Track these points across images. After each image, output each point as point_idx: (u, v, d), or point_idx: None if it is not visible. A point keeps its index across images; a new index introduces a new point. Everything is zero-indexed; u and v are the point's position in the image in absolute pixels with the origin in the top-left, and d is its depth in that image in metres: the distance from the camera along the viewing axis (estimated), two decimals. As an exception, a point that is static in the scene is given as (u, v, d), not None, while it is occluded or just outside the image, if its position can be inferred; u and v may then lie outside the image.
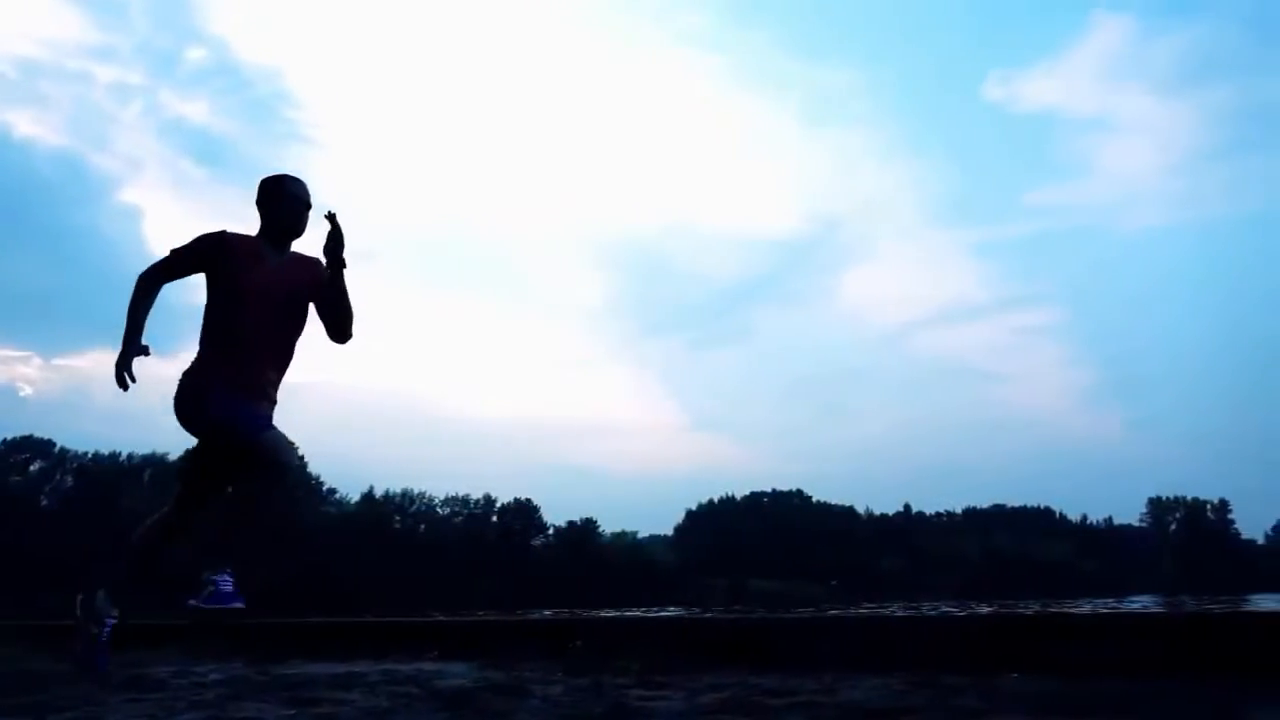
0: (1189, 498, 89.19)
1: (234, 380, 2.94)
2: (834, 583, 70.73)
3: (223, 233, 3.06)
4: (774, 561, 76.18)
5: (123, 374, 2.86)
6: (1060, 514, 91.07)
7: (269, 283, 3.04)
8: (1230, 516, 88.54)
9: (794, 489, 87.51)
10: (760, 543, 77.42)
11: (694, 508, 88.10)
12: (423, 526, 76.29)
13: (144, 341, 2.93)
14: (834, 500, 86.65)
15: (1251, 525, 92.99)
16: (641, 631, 2.61)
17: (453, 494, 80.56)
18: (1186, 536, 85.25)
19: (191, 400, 2.89)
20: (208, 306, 3.04)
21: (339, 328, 3.13)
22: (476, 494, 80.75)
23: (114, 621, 3.02)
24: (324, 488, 70.81)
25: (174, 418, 2.92)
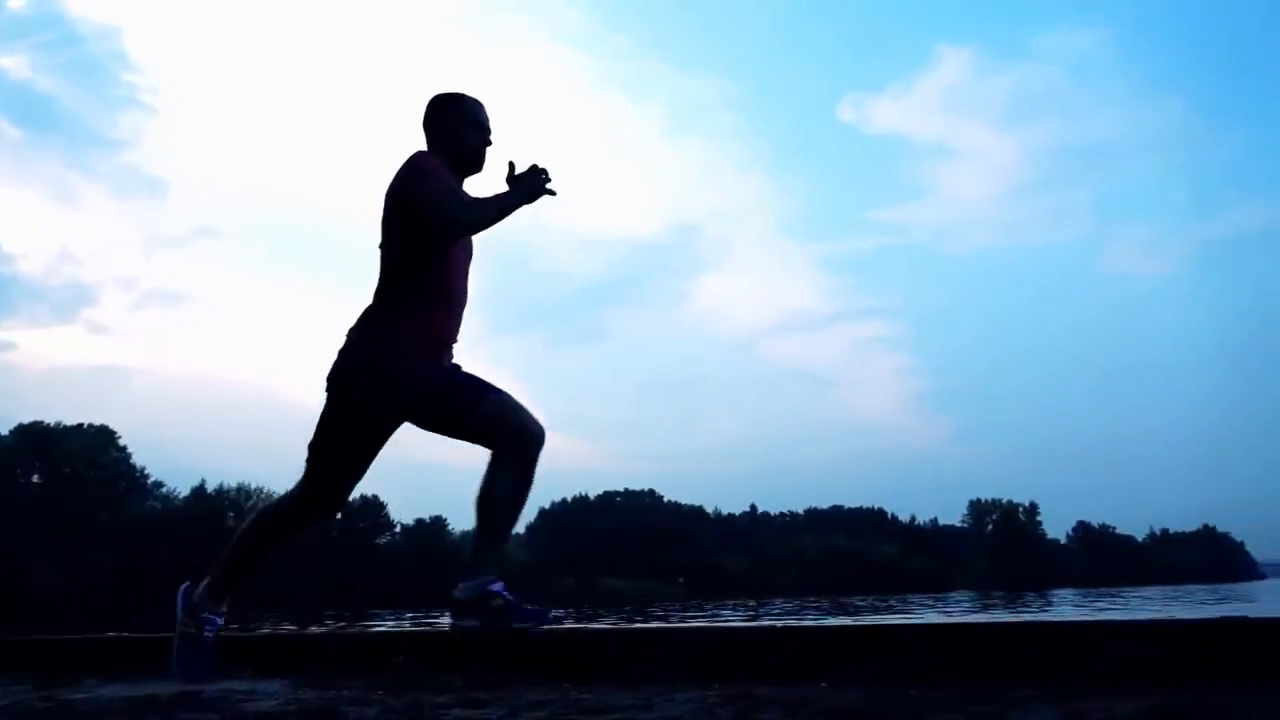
0: (1004, 500, 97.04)
1: (439, 336, 2.49)
2: (681, 580, 72.28)
3: (437, 158, 2.50)
4: (625, 560, 77.03)
5: (539, 177, 2.40)
6: (892, 515, 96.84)
7: None
8: (1039, 518, 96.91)
9: (646, 489, 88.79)
10: (612, 542, 78.09)
11: (547, 506, 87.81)
12: (259, 523, 72.42)
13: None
14: (684, 500, 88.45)
15: (1055, 526, 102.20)
16: (467, 645, 2.57)
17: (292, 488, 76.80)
18: (1001, 536, 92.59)
19: (393, 362, 2.36)
20: (411, 243, 2.43)
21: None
22: (319, 489, 77.60)
23: (218, 621, 2.61)
24: (148, 480, 65.96)
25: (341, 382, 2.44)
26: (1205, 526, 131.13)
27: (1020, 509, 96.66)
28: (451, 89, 2.54)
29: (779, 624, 2.38)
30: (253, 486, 73.98)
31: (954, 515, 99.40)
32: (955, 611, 17.26)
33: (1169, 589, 46.17)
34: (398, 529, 78.88)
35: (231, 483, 73.13)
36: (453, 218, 2.35)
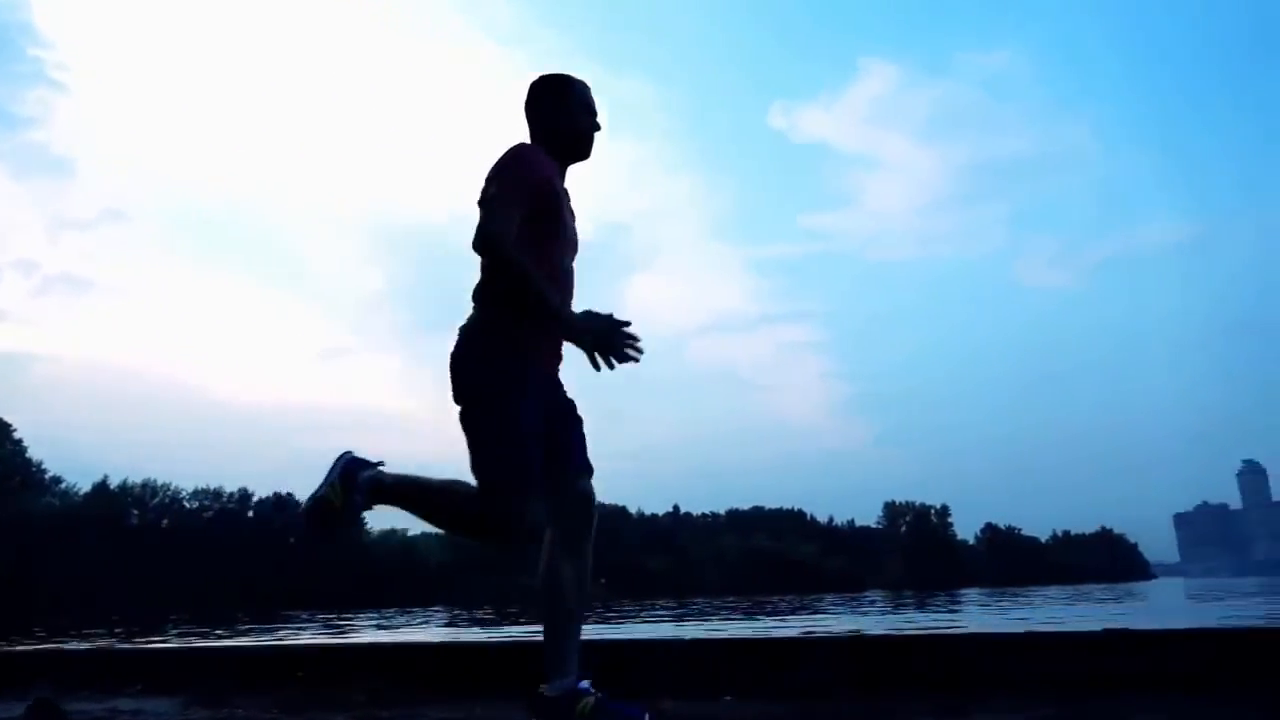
0: (918, 503, 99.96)
1: (556, 342, 2.21)
2: (603, 580, 72.24)
3: (540, 144, 2.27)
4: (546, 560, 76.63)
5: (620, 331, 2.05)
6: (811, 516, 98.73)
7: (571, 219, 2.33)
8: (950, 520, 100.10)
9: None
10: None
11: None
12: (165, 521, 69.55)
13: None
14: (608, 500, 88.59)
15: (966, 528, 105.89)
16: (369, 659, 2.51)
17: (203, 486, 74.16)
18: (914, 538, 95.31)
19: (496, 370, 2.07)
20: (519, 240, 2.14)
21: None
22: (231, 486, 75.02)
23: (361, 509, 2.20)
24: (46, 475, 62.76)
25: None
26: (1103, 529, 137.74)
27: (932, 511, 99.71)
28: (557, 71, 2.39)
29: (689, 637, 2.40)
30: (159, 483, 71.17)
31: (870, 516, 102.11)
32: (870, 612, 17.68)
33: (1070, 589, 48.14)
34: (313, 527, 76.70)
35: (136, 479, 70.22)
36: (490, 232, 2.04)
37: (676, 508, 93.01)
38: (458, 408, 2.12)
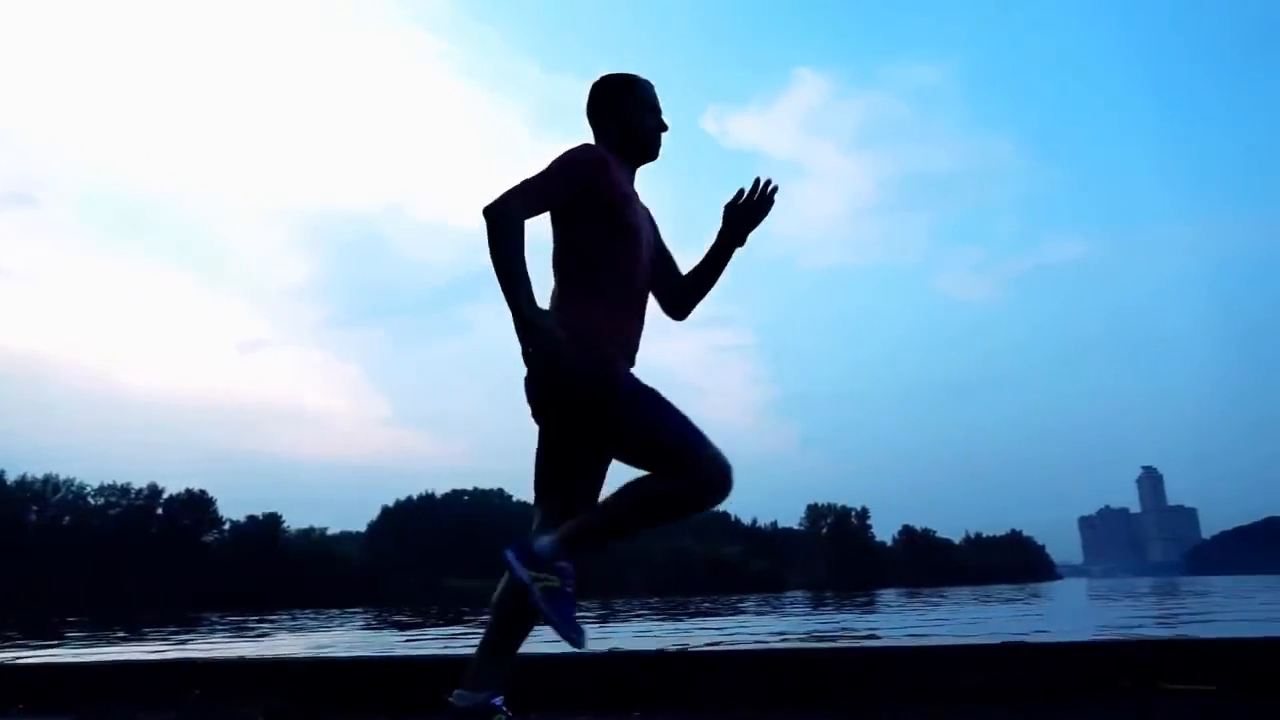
0: (839, 505, 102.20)
1: (631, 346, 2.17)
2: (527, 581, 71.74)
3: (605, 150, 2.20)
4: (471, 560, 75.76)
5: (551, 333, 1.96)
6: (735, 517, 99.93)
7: (643, 221, 2.26)
8: (869, 522, 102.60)
9: (496, 488, 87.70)
10: (458, 541, 76.62)
11: (391, 504, 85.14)
12: (67, 518, 66.38)
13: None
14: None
15: (884, 529, 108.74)
16: (272, 675, 2.44)
17: (109, 482, 71.10)
18: (835, 539, 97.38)
19: (587, 375, 2.02)
20: (585, 243, 2.13)
21: (689, 303, 2.42)
22: (140, 482, 72.08)
23: (571, 572, 2.09)
24: (-65, 471, 59.45)
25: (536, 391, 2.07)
26: (1013, 531, 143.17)
27: (853, 513, 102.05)
28: (620, 70, 2.33)
29: (607, 650, 2.40)
30: (61, 478, 67.92)
31: (793, 518, 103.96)
32: (791, 612, 17.99)
33: (980, 589, 49.85)
34: (226, 526, 74.32)
35: (36, 473, 66.87)
36: (503, 211, 2.00)
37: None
38: (574, 421, 2.07)
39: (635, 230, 2.17)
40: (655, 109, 2.29)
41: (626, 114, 2.25)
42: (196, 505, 72.70)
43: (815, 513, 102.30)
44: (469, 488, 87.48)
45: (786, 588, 75.74)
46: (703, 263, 2.38)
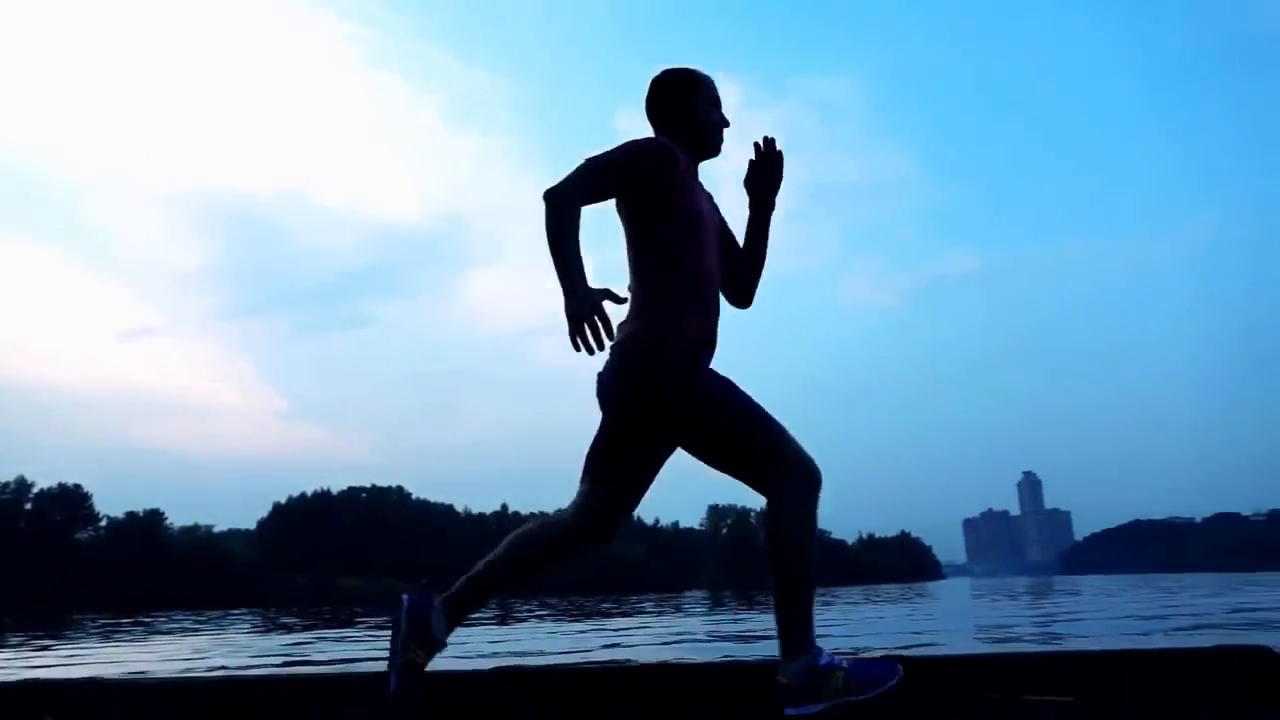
0: (739, 506, 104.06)
1: (712, 341, 2.12)
2: (424, 580, 70.38)
3: (670, 141, 2.13)
4: (366, 559, 73.83)
5: (594, 323, 1.87)
6: (638, 517, 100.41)
7: (709, 213, 2.22)
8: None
9: (395, 485, 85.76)
10: (353, 540, 74.52)
11: (283, 501, 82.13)
12: (-79, 514, 61.61)
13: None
14: (435, 498, 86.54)
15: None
16: (133, 697, 2.29)
17: (-29, 475, 66.46)
18: (735, 539, 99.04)
19: (670, 366, 1.99)
20: (659, 239, 2.08)
21: (748, 287, 2.36)
22: (7, 474, 67.46)
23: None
24: None
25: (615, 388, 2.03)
26: (902, 532, 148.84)
27: (753, 514, 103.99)
28: (680, 65, 2.28)
29: (487, 669, 2.35)
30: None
31: (695, 518, 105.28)
32: (690, 612, 18.21)
33: (871, 588, 51.61)
34: (103, 522, 70.31)
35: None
36: (559, 196, 1.96)
37: (505, 506, 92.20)
38: (657, 425, 2.05)
39: (706, 223, 2.15)
40: (719, 104, 2.26)
41: (692, 109, 2.22)
42: (70, 500, 68.52)
43: (716, 513, 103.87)
44: (367, 485, 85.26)
45: (688, 588, 76.59)
46: (746, 243, 2.36)
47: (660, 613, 18.44)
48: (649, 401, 2.00)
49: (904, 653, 2.47)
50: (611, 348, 2.01)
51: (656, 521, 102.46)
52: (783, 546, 1.99)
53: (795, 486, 2.01)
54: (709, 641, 8.63)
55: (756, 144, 2.31)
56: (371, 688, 2.12)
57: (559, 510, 2.19)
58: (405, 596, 2.11)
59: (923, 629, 9.44)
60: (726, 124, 2.26)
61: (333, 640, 10.38)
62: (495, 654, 7.41)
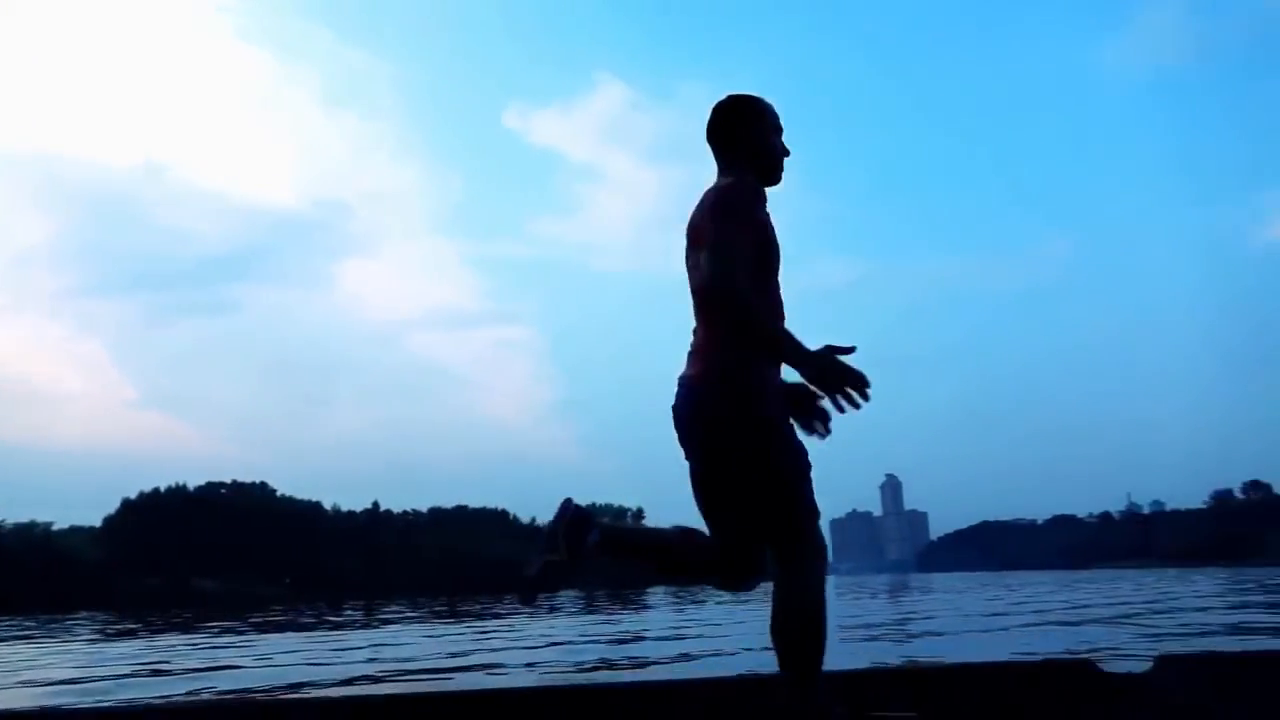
0: (616, 505, 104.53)
1: (778, 379, 2.07)
2: (288, 581, 67.52)
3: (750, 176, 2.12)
4: (225, 559, 70.16)
5: (848, 377, 1.87)
6: (514, 516, 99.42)
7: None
8: (644, 521, 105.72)
9: (258, 481, 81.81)
10: (212, 539, 70.66)
11: (133, 497, 76.99)
12: None
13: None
14: (301, 495, 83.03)
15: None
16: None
17: None
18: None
19: (753, 410, 1.96)
20: (749, 269, 1.99)
21: None
22: None
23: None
24: None
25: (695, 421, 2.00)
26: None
27: (629, 513, 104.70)
28: (745, 92, 2.22)
29: (317, 695, 2.30)
30: None
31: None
32: (561, 610, 18.17)
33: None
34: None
35: None
36: (737, 291, 1.92)
37: (376, 504, 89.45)
38: (715, 464, 2.03)
39: (779, 257, 2.13)
40: (781, 131, 2.23)
41: (763, 136, 2.18)
42: (-119, 494, 61.90)
43: (594, 512, 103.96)
44: (227, 480, 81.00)
45: (562, 588, 76.26)
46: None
47: (533, 613, 18.33)
48: (739, 430, 1.98)
49: (761, 670, 2.55)
50: (695, 378, 2.04)
51: (534, 520, 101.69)
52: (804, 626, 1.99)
53: (816, 566, 2.04)
54: (584, 642, 8.67)
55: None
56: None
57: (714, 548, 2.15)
58: (570, 501, 2.10)
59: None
60: (788, 153, 2.23)
61: (182, 645, 9.85)
62: (371, 659, 7.22)
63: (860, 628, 9.23)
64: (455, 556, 77.73)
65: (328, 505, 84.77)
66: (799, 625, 1.96)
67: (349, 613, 22.38)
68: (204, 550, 69.45)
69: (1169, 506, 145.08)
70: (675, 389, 2.09)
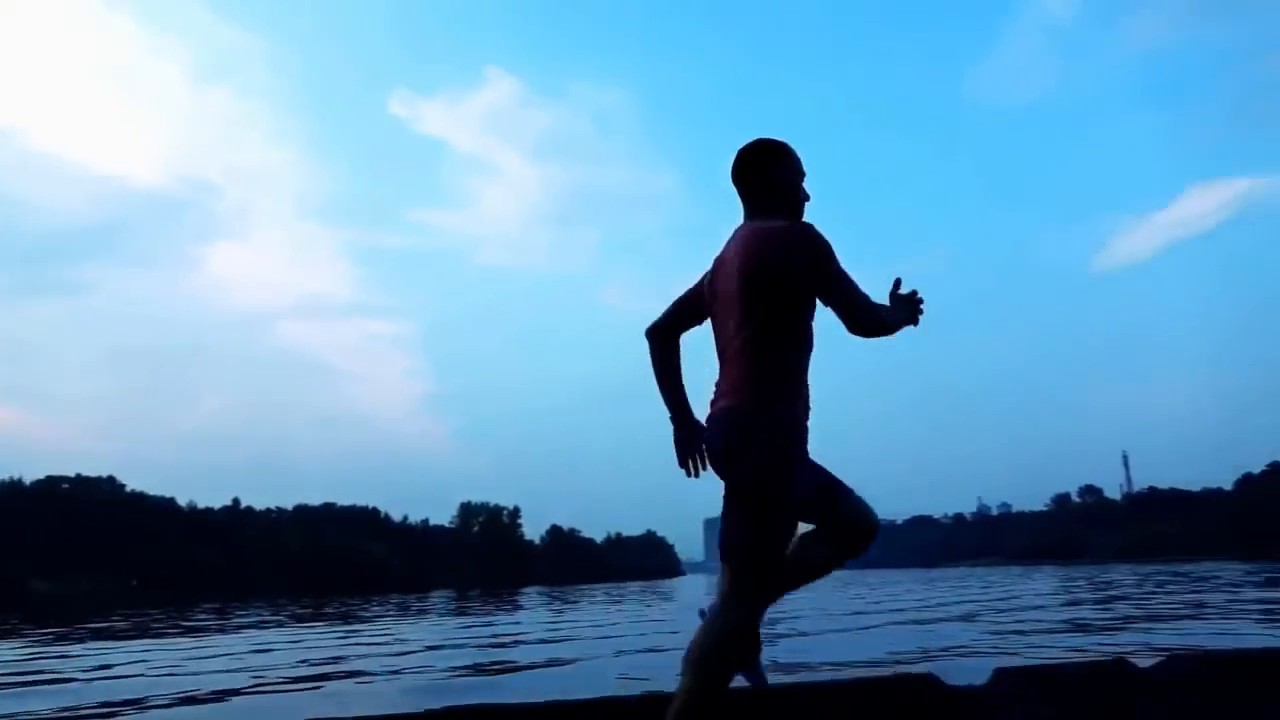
0: (492, 504, 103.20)
1: (807, 418, 2.23)
2: (135, 582, 63.30)
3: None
4: (66, 559, 65.23)
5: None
6: (385, 514, 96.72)
7: None
8: (520, 521, 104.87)
9: (105, 475, 76.43)
10: (52, 538, 65.52)
11: (-41, 491, 70.38)
12: None
13: None
14: (153, 490, 78.08)
15: (534, 528, 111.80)
16: None
17: None
18: (486, 538, 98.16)
19: (787, 447, 2.11)
20: (794, 318, 2.16)
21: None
22: None
23: None
24: None
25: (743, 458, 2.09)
26: (649, 531, 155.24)
27: (505, 512, 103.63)
28: (773, 136, 2.31)
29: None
30: None
31: (445, 516, 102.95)
32: (432, 611, 17.79)
33: (616, 586, 53.41)
34: None
35: None
36: (877, 320, 2.17)
37: (237, 501, 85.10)
38: (738, 486, 2.14)
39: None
40: (804, 175, 2.35)
41: (792, 180, 2.30)
42: None
43: (468, 511, 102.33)
44: (70, 474, 75.18)
45: (433, 587, 74.85)
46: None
47: (403, 615, 17.88)
48: (775, 467, 2.09)
49: (621, 693, 2.56)
50: (738, 410, 2.12)
51: (405, 519, 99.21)
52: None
53: (753, 607, 2.16)
54: (451, 647, 8.50)
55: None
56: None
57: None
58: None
59: (660, 629, 9.89)
60: (809, 197, 2.34)
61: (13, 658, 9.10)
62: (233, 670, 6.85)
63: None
64: (322, 556, 74.81)
65: (183, 502, 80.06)
66: (711, 654, 2.04)
67: (201, 617, 21.22)
68: (41, 550, 64.29)
69: (1015, 509, 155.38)
70: (709, 423, 2.21)
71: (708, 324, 2.32)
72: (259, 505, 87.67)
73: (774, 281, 2.10)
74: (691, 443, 2.32)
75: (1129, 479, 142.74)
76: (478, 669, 6.29)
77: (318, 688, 5.51)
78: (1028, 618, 9.02)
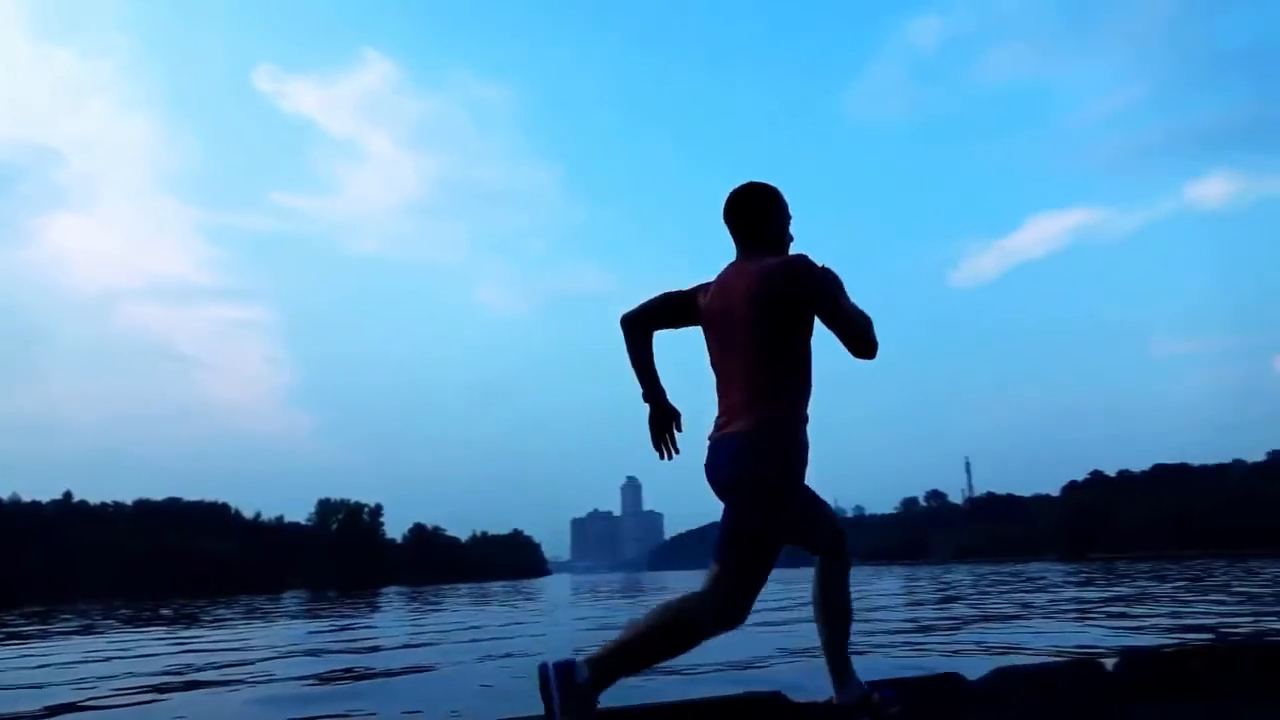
0: (352, 501, 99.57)
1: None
2: (-55, 584, 57.47)
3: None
4: None
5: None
6: (236, 510, 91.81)
7: None
8: (382, 519, 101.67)
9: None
10: None
11: None
12: None
13: None
14: (-34, 483, 71.38)
15: (396, 527, 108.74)
16: None
17: None
18: (345, 536, 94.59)
19: (795, 463, 2.27)
20: (797, 347, 2.32)
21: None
22: None
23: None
24: None
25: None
26: (515, 531, 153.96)
27: (366, 510, 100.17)
28: (766, 180, 2.48)
29: None
30: None
31: (302, 513, 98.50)
32: (282, 614, 17.00)
33: (480, 585, 52.67)
34: None
35: None
36: (873, 338, 2.28)
37: (69, 494, 78.76)
38: (753, 501, 2.26)
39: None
40: (791, 218, 2.51)
41: (782, 223, 2.47)
42: None
43: (326, 508, 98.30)
44: None
45: (288, 587, 71.48)
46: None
47: (249, 617, 17.06)
48: (784, 485, 2.25)
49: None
50: (743, 440, 2.24)
51: (258, 515, 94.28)
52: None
53: (717, 607, 2.31)
54: (302, 654, 8.17)
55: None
56: None
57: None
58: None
59: (529, 633, 9.83)
60: (792, 239, 2.51)
61: None
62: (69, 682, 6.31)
63: (596, 629, 9.49)
64: (164, 554, 70.11)
65: (6, 495, 73.35)
66: (669, 633, 2.25)
67: (21, 623, 19.53)
68: None
69: (868, 511, 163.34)
70: (710, 448, 2.32)
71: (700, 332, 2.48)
72: (94, 499, 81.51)
73: (782, 308, 2.26)
74: (666, 425, 2.42)
75: (970, 484, 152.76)
76: (321, 679, 6.04)
77: (160, 700, 5.17)
78: (874, 618, 9.49)
